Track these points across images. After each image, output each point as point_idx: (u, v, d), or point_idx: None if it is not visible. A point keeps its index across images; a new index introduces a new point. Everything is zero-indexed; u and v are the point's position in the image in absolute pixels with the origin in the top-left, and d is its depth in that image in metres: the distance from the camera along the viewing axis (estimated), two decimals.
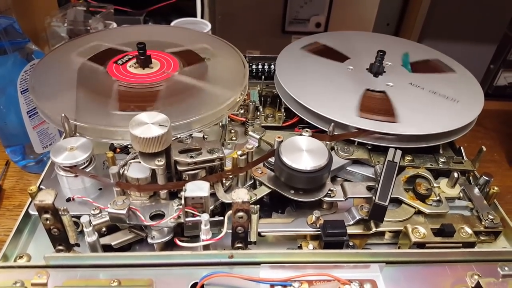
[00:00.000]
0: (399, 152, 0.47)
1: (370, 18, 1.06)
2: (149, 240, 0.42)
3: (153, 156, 0.42)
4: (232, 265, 0.41)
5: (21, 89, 0.77)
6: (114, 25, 0.88)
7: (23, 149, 0.84)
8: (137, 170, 0.43)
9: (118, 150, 0.53)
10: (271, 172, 0.49)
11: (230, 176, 0.47)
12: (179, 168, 0.43)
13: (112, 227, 0.44)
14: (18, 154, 0.85)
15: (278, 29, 1.09)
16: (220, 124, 0.58)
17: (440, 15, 0.98)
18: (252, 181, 0.49)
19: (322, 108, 0.54)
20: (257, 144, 0.52)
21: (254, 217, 0.40)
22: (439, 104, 0.57)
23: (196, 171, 0.44)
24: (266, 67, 0.70)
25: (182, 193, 0.40)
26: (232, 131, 0.61)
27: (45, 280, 0.37)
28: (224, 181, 0.46)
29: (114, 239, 0.43)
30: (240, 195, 0.39)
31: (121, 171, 0.43)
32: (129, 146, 0.54)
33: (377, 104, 0.56)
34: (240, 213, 0.39)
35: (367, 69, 0.64)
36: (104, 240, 0.43)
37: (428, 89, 0.60)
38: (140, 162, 0.43)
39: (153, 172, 0.43)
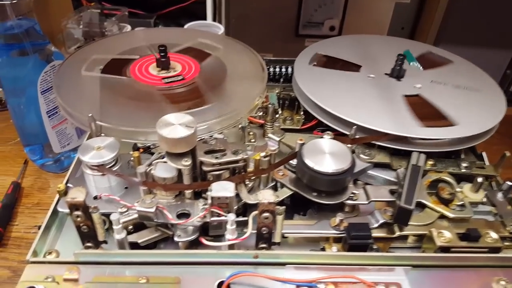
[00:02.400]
0: (423, 156, 0.47)
1: (385, 22, 1.07)
2: (176, 239, 0.42)
3: (180, 156, 0.43)
4: (257, 265, 0.42)
5: (41, 89, 0.78)
6: (129, 27, 0.89)
7: (41, 149, 0.85)
8: (163, 170, 0.44)
9: (141, 150, 0.54)
10: (292, 174, 0.50)
11: (253, 178, 0.48)
12: (204, 168, 0.44)
13: (139, 225, 0.45)
14: (36, 153, 0.86)
15: (292, 33, 1.10)
16: (240, 126, 0.59)
17: (456, 19, 0.98)
18: (274, 183, 0.49)
19: (345, 112, 0.54)
20: (277, 146, 0.53)
21: (280, 218, 0.41)
22: (473, 100, 0.59)
23: (220, 172, 0.45)
24: (283, 69, 0.70)
25: (208, 193, 0.41)
26: (251, 133, 0.61)
27: (77, 276, 0.37)
28: (246, 182, 0.47)
29: (140, 237, 0.44)
30: (266, 196, 0.40)
31: (147, 171, 0.44)
32: (151, 147, 0.55)
33: (426, 109, 0.57)
34: (266, 214, 0.40)
35: (386, 74, 0.64)
36: (131, 238, 0.43)
37: (451, 84, 0.62)
38: (166, 162, 0.44)
39: (179, 172, 0.44)
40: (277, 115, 0.60)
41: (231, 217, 0.40)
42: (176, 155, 0.43)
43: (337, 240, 0.46)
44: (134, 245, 0.44)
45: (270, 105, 0.58)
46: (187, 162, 0.42)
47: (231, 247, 0.43)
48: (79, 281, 0.38)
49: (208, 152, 0.44)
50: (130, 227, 0.44)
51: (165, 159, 0.45)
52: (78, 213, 0.39)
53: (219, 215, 0.42)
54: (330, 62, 0.67)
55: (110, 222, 0.45)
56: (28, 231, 0.67)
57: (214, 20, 1.00)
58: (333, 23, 1.07)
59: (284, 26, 1.08)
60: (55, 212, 0.47)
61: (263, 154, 0.45)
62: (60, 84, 0.58)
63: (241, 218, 0.44)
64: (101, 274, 0.40)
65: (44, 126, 0.81)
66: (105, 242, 0.43)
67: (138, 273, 0.41)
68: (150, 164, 0.45)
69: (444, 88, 0.62)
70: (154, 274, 0.41)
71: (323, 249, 0.46)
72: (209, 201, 0.40)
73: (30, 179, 0.82)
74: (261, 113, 0.61)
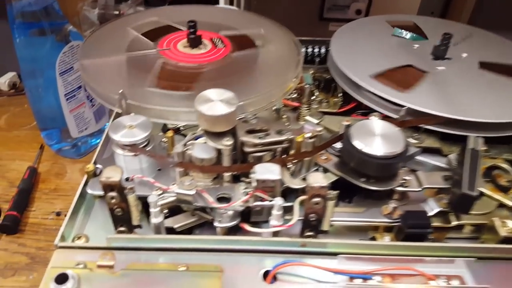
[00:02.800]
0: (481, 140, 0.43)
1: (413, 6, 1.02)
2: (216, 224, 0.39)
3: (220, 136, 0.40)
4: (304, 254, 0.39)
5: (59, 71, 0.75)
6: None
7: (59, 133, 0.83)
8: (202, 150, 0.40)
9: (171, 132, 0.50)
10: (336, 158, 0.46)
11: (294, 161, 0.44)
12: (246, 149, 0.40)
13: (174, 209, 0.42)
14: (53, 138, 0.84)
15: (316, 16, 1.06)
16: (274, 108, 0.55)
17: (490, 3, 0.93)
18: (316, 168, 0.46)
19: (392, 93, 0.50)
20: (321, 128, 0.49)
21: (330, 204, 0.37)
22: None
23: (262, 154, 0.41)
24: (315, 50, 0.66)
25: (252, 176, 0.38)
26: (284, 116, 0.57)
27: (112, 262, 0.34)
28: (288, 166, 0.44)
29: (176, 222, 0.41)
30: (317, 179, 0.36)
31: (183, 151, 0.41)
32: (181, 128, 0.51)
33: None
34: (316, 199, 0.37)
35: (433, 58, 0.60)
36: (167, 223, 0.40)
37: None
38: (204, 142, 0.41)
39: (218, 153, 0.41)
40: (313, 97, 0.56)
41: (279, 201, 0.37)
42: (216, 135, 0.40)
43: (388, 229, 0.43)
44: (169, 231, 0.41)
45: (306, 86, 0.54)
46: (228, 141, 0.39)
47: (275, 234, 0.39)
48: (115, 267, 0.35)
49: (249, 132, 0.41)
50: (165, 211, 0.41)
51: (202, 139, 0.41)
52: (113, 194, 0.36)
53: (262, 199, 0.39)
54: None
55: (143, 206, 0.43)
56: (45, 217, 0.65)
57: (231, 3, 0.96)
58: (359, 6, 1.02)
59: (308, 9, 1.04)
60: (82, 194, 0.44)
61: (308, 135, 0.41)
62: (85, 61, 0.54)
63: (287, 203, 0.40)
64: (136, 261, 0.37)
65: (62, 109, 0.79)
66: (139, 226, 0.39)
67: (175, 260, 0.38)
68: (185, 145, 0.42)
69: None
70: (192, 261, 0.38)
71: (373, 239, 0.42)
72: (254, 184, 0.37)
73: (47, 165, 0.80)
74: (295, 95, 0.58)
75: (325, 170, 0.45)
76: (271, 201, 0.39)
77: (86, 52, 0.56)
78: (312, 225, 0.39)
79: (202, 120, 0.38)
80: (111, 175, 0.35)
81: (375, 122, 0.44)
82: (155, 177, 0.43)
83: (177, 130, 0.50)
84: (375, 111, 0.52)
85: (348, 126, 0.44)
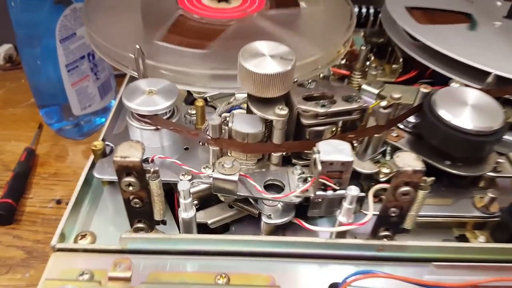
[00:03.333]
0: None
1: None
2: (265, 220, 0.30)
3: (269, 104, 0.30)
4: (379, 260, 0.29)
5: (60, 37, 0.66)
6: None
7: (59, 111, 0.75)
8: (245, 123, 0.31)
9: (201, 101, 0.41)
10: (410, 136, 0.36)
11: (360, 139, 0.34)
12: (304, 121, 0.31)
13: (205, 200, 0.32)
14: (53, 116, 0.75)
15: None
16: (321, 75, 0.45)
17: None
18: (384, 147, 0.36)
19: (474, 58, 0.40)
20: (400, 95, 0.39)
21: (422, 194, 0.28)
22: None
23: (324, 128, 0.31)
24: (363, 11, 0.56)
25: (316, 156, 0.28)
26: None
27: (129, 273, 0.25)
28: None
29: (210, 216, 0.31)
30: (409, 161, 0.27)
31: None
32: (208, 100, 0.42)
33: None
34: (406, 188, 0.27)
35: (504, 16, 0.50)
36: (198, 218, 0.31)
37: None
38: (245, 113, 0.31)
39: (266, 126, 0.31)
40: (368, 62, 0.46)
41: (354, 191, 0.27)
42: (264, 102, 0.30)
43: (477, 226, 0.33)
44: (201, 228, 0.31)
45: (362, 47, 0.44)
46: (283, 110, 0.29)
47: (339, 234, 0.30)
48: (132, 280, 0.25)
49: (307, 99, 0.31)
50: (195, 202, 0.32)
51: (240, 110, 0.32)
52: (131, 180, 0.26)
53: (325, 188, 0.29)
54: (428, 16, 0.52)
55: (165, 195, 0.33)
56: (44, 206, 0.58)
57: None
58: None
59: None
60: (88, 180, 0.35)
61: (383, 103, 0.31)
62: (91, 14, 0.44)
63: (360, 194, 0.31)
64: (161, 269, 0.28)
65: (62, 83, 0.70)
66: (163, 222, 0.30)
67: (210, 268, 0.28)
68: (221, 116, 0.32)
69: None
70: (233, 270, 0.28)
71: (461, 239, 0.33)
72: (319, 167, 0.27)
73: (46, 146, 0.72)
74: (343, 61, 0.48)
75: (394, 150, 0.36)
76: (336, 190, 0.29)
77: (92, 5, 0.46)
78: (391, 222, 0.30)
79: (248, 82, 0.29)
80: (128, 153, 0.26)
81: (464, 90, 0.34)
82: (180, 158, 0.34)
83: (205, 100, 0.40)
84: (443, 80, 0.42)
85: (428, 94, 0.34)
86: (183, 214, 0.28)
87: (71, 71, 0.72)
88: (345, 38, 0.43)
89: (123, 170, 0.26)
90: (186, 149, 0.34)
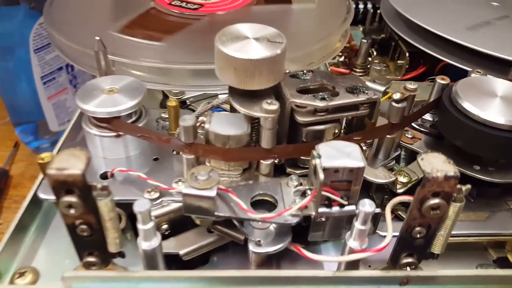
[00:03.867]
0: None
1: None
2: (253, 248, 0.23)
3: (256, 98, 0.24)
4: None
5: (34, 47, 0.61)
6: None
7: (35, 128, 0.70)
8: (226, 123, 0.24)
9: (174, 101, 0.35)
10: (428, 138, 0.30)
11: (369, 141, 0.28)
12: (299, 119, 0.24)
13: (177, 224, 0.26)
14: (29, 134, 0.71)
15: None
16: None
17: None
18: (398, 152, 0.30)
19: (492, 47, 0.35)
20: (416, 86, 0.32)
21: (455, 208, 0.21)
22: None
23: (325, 127, 0.25)
24: (360, 7, 0.51)
25: (316, 162, 0.21)
26: None
27: None
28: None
29: (183, 245, 0.25)
30: (438, 164, 0.20)
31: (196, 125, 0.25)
32: (187, 102, 0.36)
33: None
34: (436, 201, 0.20)
35: None
36: (167, 247, 0.24)
37: None
38: (228, 112, 0.25)
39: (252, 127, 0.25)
40: (370, 58, 0.40)
41: (368, 207, 0.21)
42: (249, 97, 0.24)
43: None
44: (171, 260, 0.25)
45: (363, 41, 0.38)
46: (272, 105, 0.22)
47: (349, 265, 0.23)
48: None
49: (303, 92, 0.24)
50: (164, 226, 0.25)
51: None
52: (72, 199, 0.20)
53: (329, 203, 0.23)
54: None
55: (128, 219, 0.27)
56: None
57: None
58: None
59: None
60: (36, 202, 0.28)
61: (397, 95, 0.25)
62: (55, 16, 0.39)
63: (378, 210, 0.24)
64: None
65: (38, 97, 0.65)
66: (121, 254, 0.23)
67: None
68: (198, 117, 0.26)
69: None
70: None
71: (501, 262, 0.26)
72: (320, 176, 0.21)
73: (21, 166, 0.68)
74: (342, 58, 0.42)
75: (411, 155, 0.30)
76: (344, 205, 0.23)
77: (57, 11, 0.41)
78: (415, 246, 0.23)
79: (228, 70, 0.22)
80: (68, 164, 0.19)
81: (490, 80, 0.28)
82: (150, 171, 0.27)
83: (182, 104, 0.34)
84: (457, 75, 0.36)
85: (447, 85, 0.28)
86: (143, 244, 0.21)
87: (47, 84, 0.67)
88: (342, 31, 0.37)
89: (61, 186, 0.19)
90: (156, 159, 0.28)
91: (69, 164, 0.19)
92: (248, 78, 0.22)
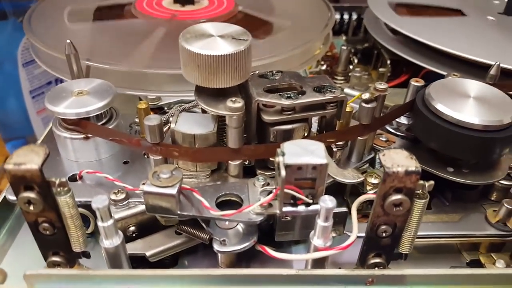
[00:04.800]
0: None
1: None
2: (217, 247, 0.23)
3: (222, 97, 0.24)
4: None
5: (23, 61, 0.62)
6: None
7: (25, 143, 0.70)
8: (192, 122, 0.25)
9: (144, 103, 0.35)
10: (403, 141, 0.30)
11: (340, 143, 0.28)
12: (265, 118, 0.24)
13: (145, 226, 0.25)
14: None
15: None
16: None
17: None
18: (372, 154, 0.30)
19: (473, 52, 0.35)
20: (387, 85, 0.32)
21: (419, 205, 0.21)
22: None
23: (292, 126, 0.25)
24: (345, 17, 0.51)
25: (280, 159, 0.21)
26: None
27: None
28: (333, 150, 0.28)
29: (150, 246, 0.24)
30: (399, 160, 0.20)
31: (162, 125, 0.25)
32: (165, 108, 0.36)
33: None
34: (398, 197, 0.20)
35: (499, 13, 0.45)
36: (132, 248, 0.24)
37: None
38: (194, 111, 0.25)
39: (219, 126, 0.25)
40: (351, 66, 0.40)
41: (329, 203, 0.20)
42: (215, 96, 0.24)
43: (493, 247, 0.26)
44: (139, 261, 0.24)
45: (343, 48, 0.38)
46: (237, 103, 0.23)
47: (316, 263, 0.23)
48: None
49: (270, 91, 0.25)
50: (132, 228, 0.25)
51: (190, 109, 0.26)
52: (30, 195, 0.20)
53: (295, 202, 0.22)
54: (416, 11, 0.47)
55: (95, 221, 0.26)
56: None
57: None
58: None
59: None
60: (7, 205, 0.28)
61: (366, 95, 0.25)
62: (34, 24, 0.40)
63: (339, 209, 0.24)
64: None
65: (27, 111, 0.66)
66: (85, 254, 0.23)
67: None
68: (167, 119, 0.26)
69: None
70: None
71: (474, 265, 0.26)
72: (282, 173, 0.21)
73: None
74: (324, 67, 0.42)
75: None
76: (310, 203, 0.22)
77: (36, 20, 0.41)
78: (382, 246, 0.23)
79: (192, 67, 0.23)
80: (26, 159, 0.19)
81: (463, 81, 0.28)
82: (121, 175, 0.27)
83: (159, 110, 0.34)
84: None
85: (422, 87, 0.28)
86: (104, 243, 0.21)
87: (36, 97, 0.67)
88: (322, 36, 0.38)
89: (19, 182, 0.19)
90: (126, 163, 0.28)
91: (26, 159, 0.19)
92: (212, 75, 0.23)
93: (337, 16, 0.51)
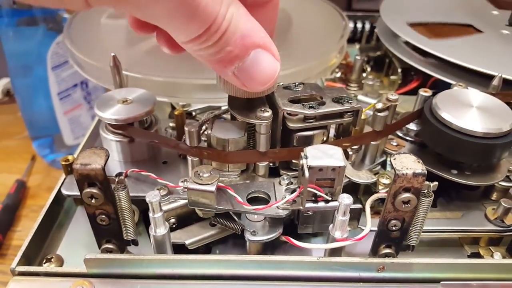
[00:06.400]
0: None
1: None
2: (249, 237, 0.26)
3: (252, 107, 0.27)
4: (383, 282, 0.25)
5: (52, 64, 0.65)
6: None
7: (52, 142, 0.74)
8: (225, 129, 0.28)
9: (180, 109, 0.39)
10: (412, 145, 0.33)
11: (355, 147, 0.31)
12: (290, 125, 0.28)
13: (183, 219, 0.29)
14: (46, 147, 0.74)
15: (343, 5, 0.94)
16: None
17: None
18: (384, 158, 0.33)
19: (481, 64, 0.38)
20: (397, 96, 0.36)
21: (425, 202, 0.24)
22: None
23: (313, 133, 0.28)
24: (359, 26, 0.54)
25: (304, 162, 0.25)
26: None
27: None
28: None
29: (188, 236, 0.28)
30: (408, 163, 0.23)
31: (200, 131, 0.28)
32: (193, 113, 0.39)
33: None
34: (407, 195, 0.23)
35: (506, 24, 0.48)
36: (174, 237, 0.27)
37: None
38: (226, 119, 0.29)
39: (248, 133, 0.28)
40: (364, 74, 0.43)
41: (346, 200, 0.24)
42: (246, 106, 0.27)
43: (492, 241, 0.30)
44: (178, 249, 0.28)
45: (357, 57, 0.42)
46: (265, 112, 0.26)
47: (332, 252, 0.26)
48: None
49: (294, 102, 0.28)
50: (172, 220, 0.28)
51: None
52: (93, 191, 0.23)
53: (316, 199, 0.26)
54: (434, 30, 0.50)
55: (141, 215, 0.30)
56: None
57: None
58: None
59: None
60: (58, 199, 0.32)
61: (379, 105, 0.29)
62: (73, 33, 0.43)
63: (356, 205, 0.27)
64: None
65: (54, 112, 0.69)
66: (134, 242, 0.27)
67: None
68: (201, 125, 0.30)
69: None
70: None
71: (474, 257, 0.29)
72: (306, 174, 0.24)
73: (38, 178, 0.71)
74: (338, 74, 0.45)
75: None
76: (329, 200, 0.26)
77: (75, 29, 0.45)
78: (392, 238, 0.26)
79: (224, 82, 0.26)
80: (90, 160, 0.23)
81: (467, 92, 0.31)
82: (159, 173, 0.31)
83: (189, 115, 0.38)
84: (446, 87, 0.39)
85: (429, 97, 0.31)
86: (153, 231, 0.25)
87: (63, 100, 0.71)
88: (338, 47, 0.41)
89: (84, 179, 0.23)
90: (165, 163, 0.32)
91: (91, 160, 0.23)
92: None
93: (351, 25, 0.54)
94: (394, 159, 0.24)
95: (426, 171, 0.23)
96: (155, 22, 0.20)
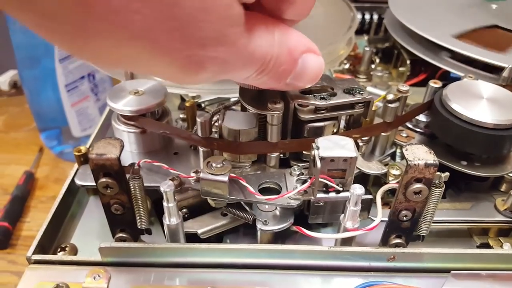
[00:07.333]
0: None
1: None
2: (260, 226, 0.27)
3: (263, 99, 0.27)
4: (393, 272, 0.26)
5: (59, 57, 0.66)
6: None
7: (59, 133, 0.74)
8: (237, 120, 0.28)
9: (191, 101, 0.39)
10: (422, 137, 0.33)
11: (365, 138, 0.32)
12: (301, 116, 0.28)
13: (195, 208, 0.29)
14: (54, 139, 0.75)
15: None
16: None
17: None
18: (394, 149, 0.33)
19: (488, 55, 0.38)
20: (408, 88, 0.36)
21: (436, 193, 0.25)
22: None
23: (324, 124, 0.29)
24: (367, 17, 0.54)
25: (314, 152, 0.25)
26: None
27: (105, 284, 0.22)
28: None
29: (201, 225, 0.28)
30: (419, 154, 0.24)
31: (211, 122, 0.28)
32: (203, 105, 0.39)
33: None
34: (418, 185, 0.24)
35: None
36: (187, 227, 0.28)
37: None
38: (237, 110, 0.29)
39: (260, 123, 0.29)
40: (373, 65, 0.43)
41: (358, 190, 0.24)
42: (257, 97, 0.27)
43: (501, 232, 0.30)
44: (191, 238, 0.28)
45: (366, 49, 0.42)
46: (277, 103, 0.26)
47: (344, 242, 0.26)
48: None
49: (305, 92, 0.28)
50: (184, 210, 0.29)
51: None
52: (109, 180, 0.24)
53: (327, 189, 0.26)
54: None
55: (152, 205, 0.30)
56: None
57: None
58: None
59: None
60: (71, 189, 0.32)
61: (390, 96, 0.29)
62: None
63: (367, 196, 0.27)
64: (143, 282, 0.25)
65: (62, 104, 0.70)
66: (148, 231, 0.27)
67: (200, 282, 0.25)
68: (213, 116, 0.30)
69: None
70: (225, 284, 0.25)
71: (483, 248, 0.29)
72: (318, 165, 0.24)
73: (46, 169, 0.71)
74: (347, 66, 0.45)
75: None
76: (340, 191, 0.26)
77: None
78: (402, 228, 0.26)
79: None
80: (105, 150, 0.23)
81: (478, 83, 0.31)
82: (170, 164, 0.31)
83: (198, 107, 0.38)
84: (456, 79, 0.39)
85: (440, 88, 0.31)
86: (167, 220, 0.25)
87: (71, 92, 0.71)
88: (346, 39, 0.41)
89: (100, 169, 0.23)
90: (176, 154, 0.32)
91: (106, 150, 0.23)
92: None
93: (359, 16, 0.54)
94: (406, 149, 0.24)
95: (438, 162, 0.23)
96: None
